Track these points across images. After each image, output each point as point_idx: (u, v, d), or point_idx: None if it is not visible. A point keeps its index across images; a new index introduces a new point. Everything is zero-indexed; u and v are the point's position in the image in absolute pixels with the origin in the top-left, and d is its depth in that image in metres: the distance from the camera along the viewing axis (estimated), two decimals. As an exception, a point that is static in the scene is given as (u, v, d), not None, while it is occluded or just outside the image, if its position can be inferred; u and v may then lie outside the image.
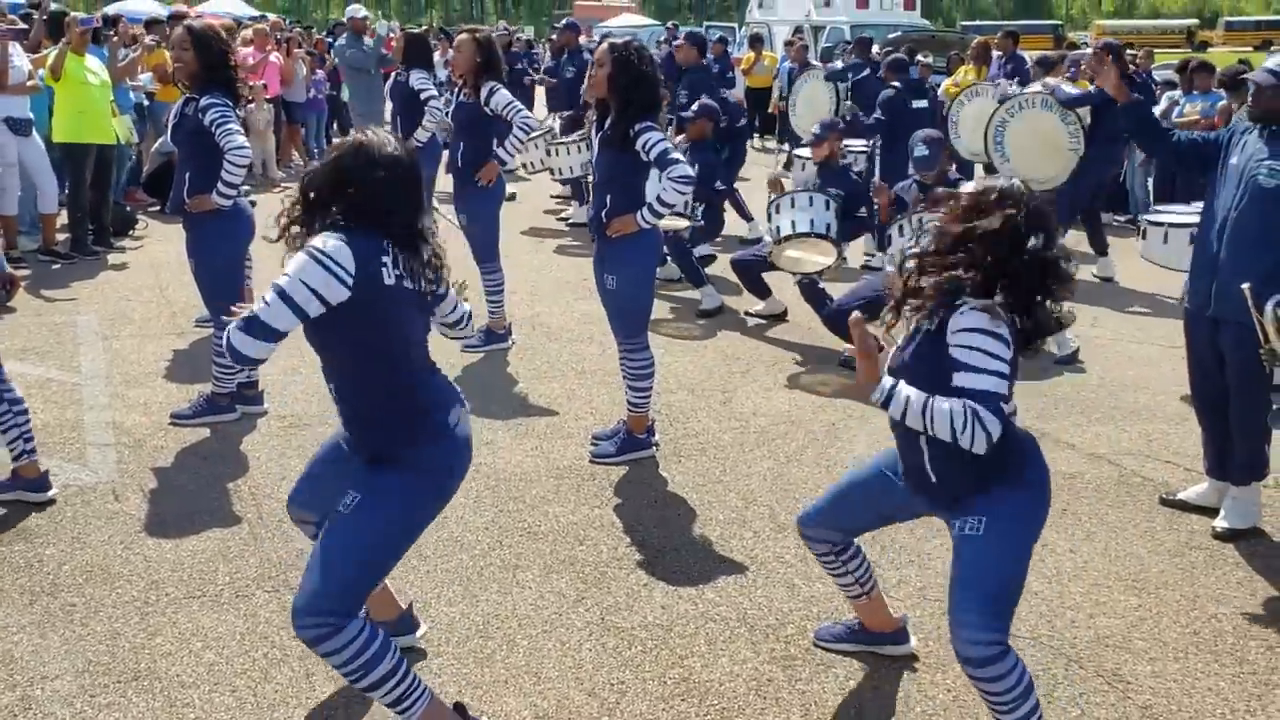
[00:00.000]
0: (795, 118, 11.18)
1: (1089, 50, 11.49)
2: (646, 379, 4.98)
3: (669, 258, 7.69)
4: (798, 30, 19.25)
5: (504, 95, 6.16)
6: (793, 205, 6.74)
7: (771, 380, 6.25)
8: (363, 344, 2.81)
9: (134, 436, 5.13)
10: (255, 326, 2.64)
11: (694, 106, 8.26)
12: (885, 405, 2.73)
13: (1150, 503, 4.73)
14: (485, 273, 6.57)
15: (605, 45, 4.78)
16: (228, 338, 2.66)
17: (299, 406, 5.54)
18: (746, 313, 7.55)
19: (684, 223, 7.47)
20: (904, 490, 3.09)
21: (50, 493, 4.38)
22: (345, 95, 12.51)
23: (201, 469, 4.82)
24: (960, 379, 2.70)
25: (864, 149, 9.85)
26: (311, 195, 2.78)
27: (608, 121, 4.73)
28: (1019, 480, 2.90)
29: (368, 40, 11.27)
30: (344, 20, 13.16)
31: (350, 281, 2.66)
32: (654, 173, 4.76)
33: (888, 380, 2.72)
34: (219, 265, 5.14)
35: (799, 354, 6.77)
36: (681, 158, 4.67)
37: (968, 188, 2.86)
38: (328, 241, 2.67)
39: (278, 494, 4.57)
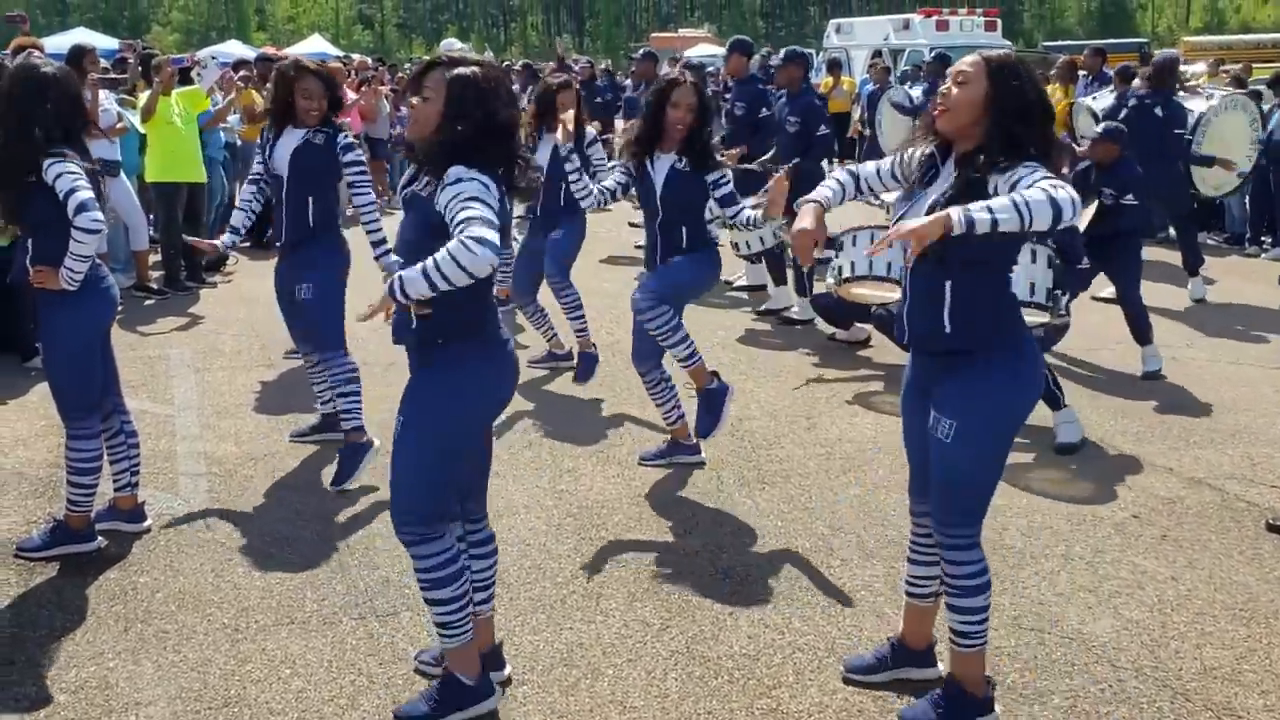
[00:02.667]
0: (881, 136, 11.06)
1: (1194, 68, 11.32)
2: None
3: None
4: (877, 54, 19.14)
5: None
6: (854, 244, 6.63)
7: (856, 405, 6.16)
8: None
9: (225, 467, 5.22)
10: (485, 235, 2.72)
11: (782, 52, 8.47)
12: (970, 229, 2.67)
13: (1256, 528, 4.54)
14: (559, 290, 6.57)
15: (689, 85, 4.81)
16: (464, 254, 2.70)
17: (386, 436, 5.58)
18: (830, 337, 7.46)
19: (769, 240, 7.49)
20: (920, 388, 3.19)
21: (145, 524, 4.47)
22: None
23: (290, 499, 4.88)
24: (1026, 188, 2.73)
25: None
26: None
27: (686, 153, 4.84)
28: (1016, 357, 3.04)
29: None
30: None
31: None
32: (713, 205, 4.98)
33: (953, 211, 2.69)
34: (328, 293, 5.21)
35: (884, 379, 6.66)
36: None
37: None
38: (467, 170, 2.86)
39: (363, 523, 4.61)
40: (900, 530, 4.50)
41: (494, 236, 2.76)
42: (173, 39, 69.67)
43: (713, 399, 5.05)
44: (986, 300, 3.02)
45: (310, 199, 5.06)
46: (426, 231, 2.94)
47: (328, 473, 5.11)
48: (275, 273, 5.32)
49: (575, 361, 6.50)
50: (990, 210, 2.66)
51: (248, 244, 10.81)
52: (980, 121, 2.93)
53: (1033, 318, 6.28)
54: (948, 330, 3.02)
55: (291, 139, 5.05)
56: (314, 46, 31.44)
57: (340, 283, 5.16)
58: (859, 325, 7.32)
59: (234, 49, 22.79)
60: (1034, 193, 2.67)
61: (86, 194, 3.85)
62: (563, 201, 6.27)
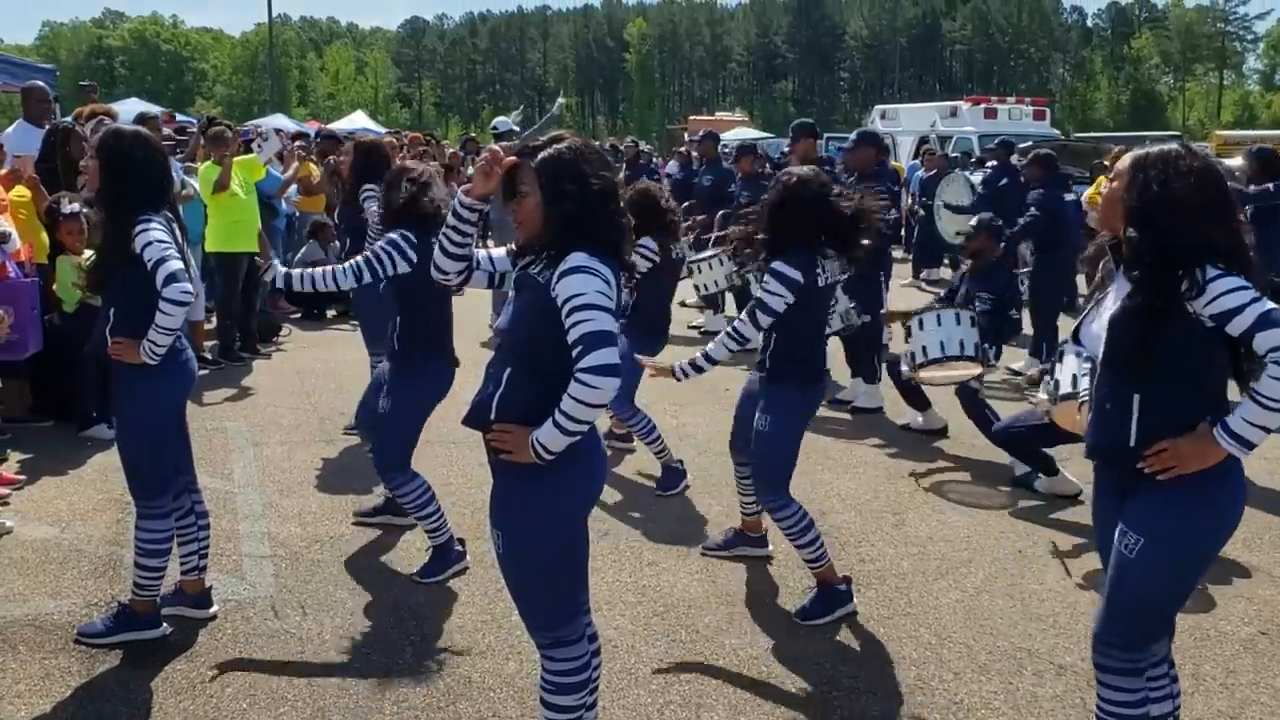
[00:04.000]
0: (940, 221, 10.90)
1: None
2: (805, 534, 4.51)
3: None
4: (924, 140, 19.12)
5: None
6: (921, 326, 6.44)
7: (943, 500, 5.88)
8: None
9: (290, 549, 4.99)
10: (604, 361, 2.62)
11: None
12: (1247, 446, 2.61)
13: (1400, 651, 4.21)
14: (626, 420, 6.04)
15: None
16: (589, 392, 2.61)
17: (452, 518, 5.35)
18: (905, 426, 7.21)
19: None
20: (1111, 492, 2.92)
21: (212, 609, 4.23)
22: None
23: (360, 585, 4.63)
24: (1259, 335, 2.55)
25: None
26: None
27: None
28: (1215, 483, 2.75)
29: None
30: (473, 136, 13.43)
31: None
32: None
33: (1220, 433, 2.62)
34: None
35: (967, 471, 6.39)
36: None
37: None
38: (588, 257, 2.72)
39: (439, 614, 4.36)
40: (1011, 641, 4.22)
41: (613, 357, 2.63)
42: (216, 112, 71.10)
43: (833, 597, 4.44)
44: (1182, 417, 2.72)
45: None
46: (536, 316, 2.76)
47: (397, 559, 4.87)
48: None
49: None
50: (1258, 413, 2.58)
51: (299, 314, 10.74)
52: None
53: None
54: (1133, 446, 2.75)
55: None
56: (358, 122, 31.88)
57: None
58: (934, 412, 7.08)
59: (278, 121, 23.06)
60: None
61: (177, 263, 3.67)
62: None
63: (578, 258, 2.72)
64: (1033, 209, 8.83)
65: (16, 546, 4.89)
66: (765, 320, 4.30)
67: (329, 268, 4.60)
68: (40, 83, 7.79)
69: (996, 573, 4.90)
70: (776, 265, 4.24)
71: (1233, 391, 2.78)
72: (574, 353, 2.65)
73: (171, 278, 3.63)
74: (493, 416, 2.80)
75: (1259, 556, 5.13)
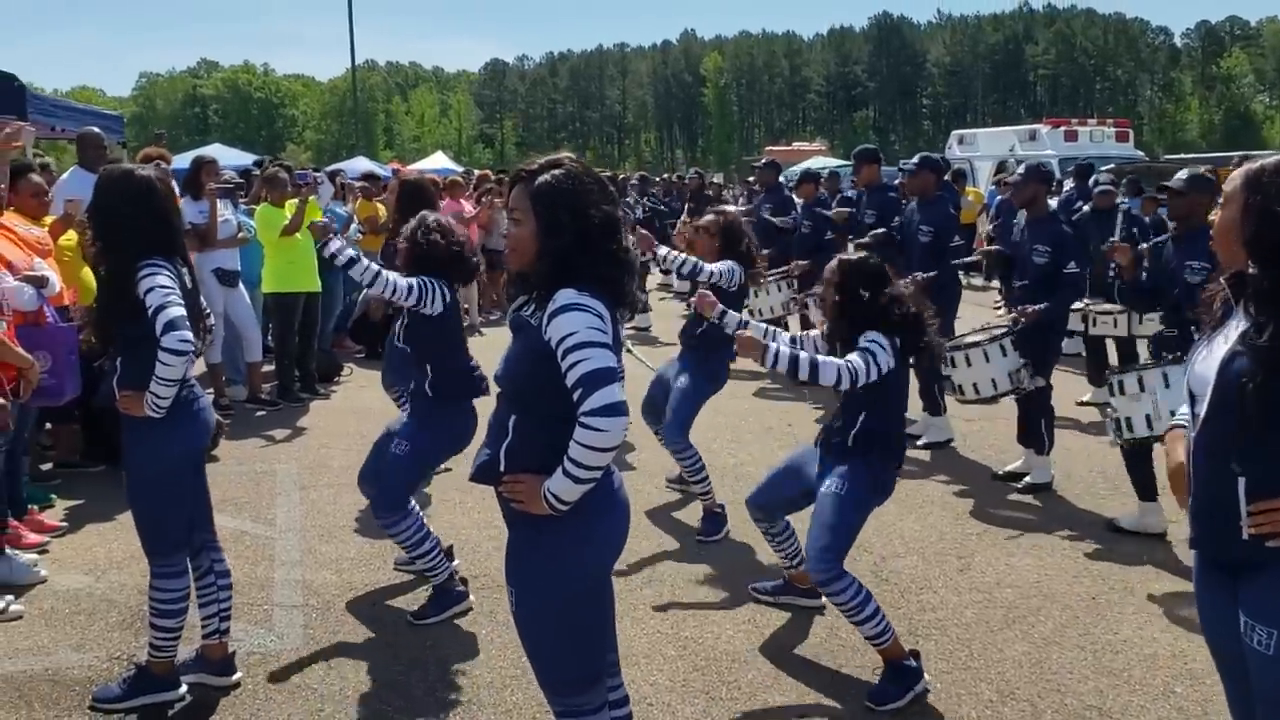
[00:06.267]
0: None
1: None
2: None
3: None
4: (1002, 165, 18.61)
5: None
6: (969, 364, 6.09)
7: (1013, 543, 5.52)
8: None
9: (322, 598, 4.83)
10: (607, 400, 2.43)
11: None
12: None
13: None
14: (676, 451, 5.68)
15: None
16: (594, 436, 2.41)
17: (490, 563, 5.16)
18: (995, 476, 6.76)
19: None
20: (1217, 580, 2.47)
21: (235, 676, 4.01)
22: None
23: (389, 638, 4.45)
24: None
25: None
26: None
27: None
28: None
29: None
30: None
31: None
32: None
33: None
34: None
35: (1039, 512, 6.01)
36: None
37: None
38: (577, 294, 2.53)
39: (466, 670, 4.16)
40: (1081, 699, 3.87)
41: (616, 394, 2.42)
42: (305, 156, 72.89)
43: (904, 675, 3.93)
44: None
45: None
46: (532, 360, 2.56)
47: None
48: None
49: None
50: None
51: (362, 354, 10.71)
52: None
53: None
54: (1245, 539, 2.34)
55: None
56: (437, 163, 32.43)
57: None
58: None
59: (361, 164, 23.42)
60: None
61: (177, 311, 3.50)
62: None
63: (565, 295, 2.51)
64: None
65: (49, 596, 4.81)
66: (873, 374, 3.98)
67: (393, 275, 4.53)
68: (95, 129, 7.83)
69: (1067, 621, 4.55)
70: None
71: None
72: (574, 395, 2.44)
73: (170, 325, 3.45)
74: (502, 468, 2.60)
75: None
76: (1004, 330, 6.26)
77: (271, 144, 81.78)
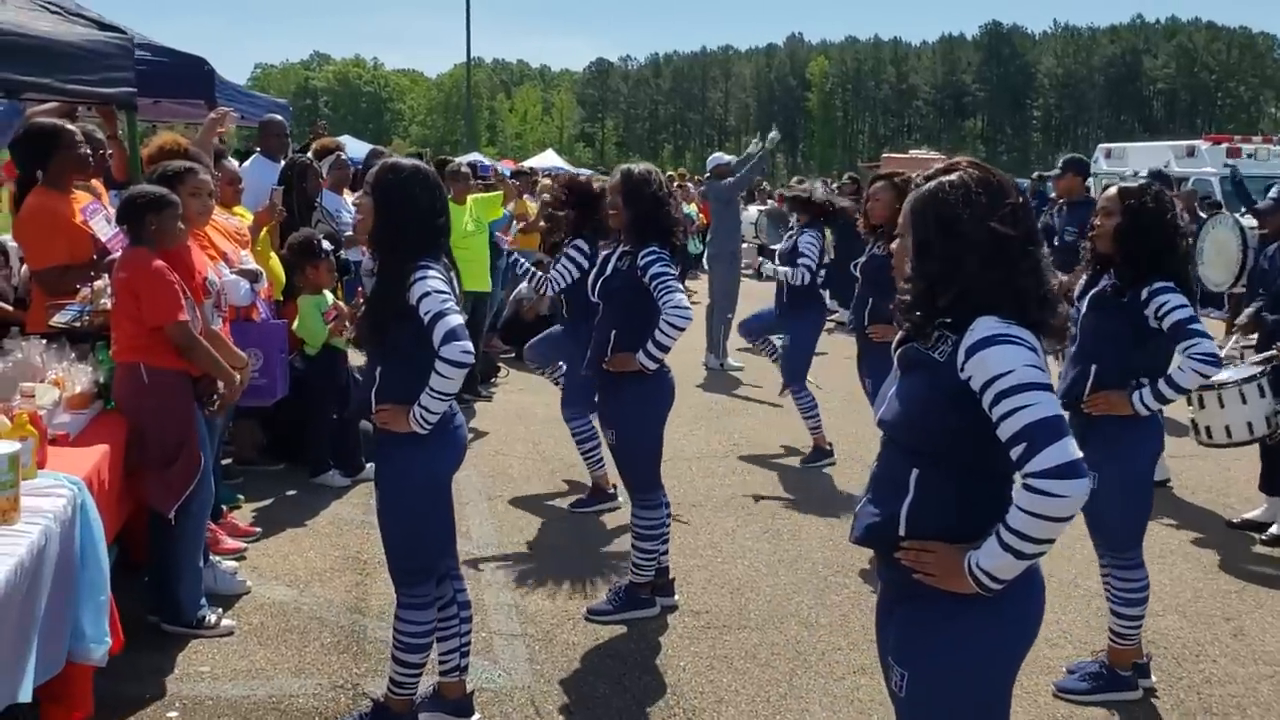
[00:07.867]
0: (1203, 266, 9.82)
1: None
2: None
3: None
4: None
5: None
6: (1222, 405, 5.44)
7: (1284, 606, 4.97)
8: None
9: (541, 627, 4.50)
10: (1067, 453, 2.04)
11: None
12: None
13: None
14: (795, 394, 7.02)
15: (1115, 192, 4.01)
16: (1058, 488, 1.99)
17: (710, 600, 4.79)
18: (1231, 523, 6.18)
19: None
20: None
21: (474, 719, 3.69)
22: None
23: (621, 678, 4.09)
24: None
25: None
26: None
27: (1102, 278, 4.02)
28: None
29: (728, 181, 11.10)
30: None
31: None
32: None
33: None
34: (641, 430, 4.55)
35: (1301, 569, 5.45)
36: None
37: None
38: None
39: (713, 712, 3.78)
40: None
41: (1071, 451, 2.02)
42: (411, 150, 73.69)
43: (1116, 681, 3.89)
44: None
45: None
46: (944, 404, 2.17)
47: (647, 643, 4.32)
48: None
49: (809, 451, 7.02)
50: None
51: (512, 354, 10.45)
52: None
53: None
54: None
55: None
56: (549, 160, 32.54)
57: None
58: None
59: (475, 159, 23.37)
60: None
61: (457, 319, 3.19)
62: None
63: (988, 325, 2.10)
64: None
65: (255, 610, 4.55)
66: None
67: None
68: (278, 117, 7.66)
69: (1387, 708, 4.01)
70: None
71: None
72: (1014, 451, 2.03)
73: (451, 334, 3.15)
74: (902, 531, 2.19)
75: None
76: (1261, 369, 5.67)
77: (378, 137, 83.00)
